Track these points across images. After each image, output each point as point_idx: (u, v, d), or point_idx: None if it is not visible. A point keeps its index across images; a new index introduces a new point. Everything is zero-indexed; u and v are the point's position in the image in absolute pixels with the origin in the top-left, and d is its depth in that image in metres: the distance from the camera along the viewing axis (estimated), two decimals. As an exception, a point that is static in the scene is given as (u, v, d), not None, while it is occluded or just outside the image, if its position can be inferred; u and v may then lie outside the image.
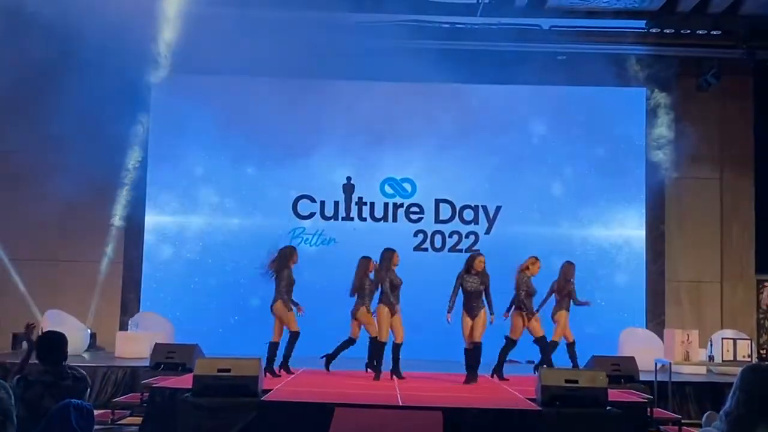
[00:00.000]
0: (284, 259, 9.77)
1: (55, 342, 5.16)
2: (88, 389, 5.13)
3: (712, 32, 12.54)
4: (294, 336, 9.73)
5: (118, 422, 8.72)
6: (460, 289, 9.49)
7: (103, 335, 13.00)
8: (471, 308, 9.46)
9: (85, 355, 12.03)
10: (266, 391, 7.75)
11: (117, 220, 13.51)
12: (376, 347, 9.74)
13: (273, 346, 9.70)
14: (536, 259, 10.15)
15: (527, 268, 10.07)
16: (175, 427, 7.32)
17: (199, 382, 7.43)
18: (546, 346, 9.93)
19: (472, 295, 9.45)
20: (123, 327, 12.87)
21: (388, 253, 9.81)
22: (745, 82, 13.76)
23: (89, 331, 12.71)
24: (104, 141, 12.67)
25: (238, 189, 13.81)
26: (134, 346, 11.78)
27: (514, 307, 9.94)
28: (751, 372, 3.55)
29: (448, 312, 9.46)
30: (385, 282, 9.66)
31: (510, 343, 10.04)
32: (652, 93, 13.75)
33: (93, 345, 12.81)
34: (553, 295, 10.41)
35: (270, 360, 9.55)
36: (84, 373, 5.15)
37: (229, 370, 7.44)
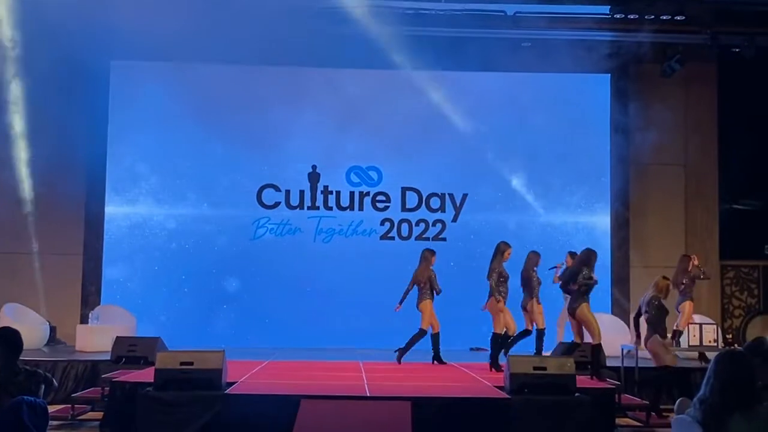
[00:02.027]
0: (424, 261, 10.42)
1: (6, 339, 4.97)
2: (43, 385, 4.94)
3: (676, 17, 12.51)
4: (433, 335, 10.33)
5: (78, 417, 8.52)
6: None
7: (63, 329, 12.71)
8: None
9: (45, 349, 11.77)
10: (230, 384, 7.60)
11: (76, 212, 13.20)
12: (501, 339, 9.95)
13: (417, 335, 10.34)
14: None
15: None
16: (136, 423, 7.15)
17: (160, 376, 7.27)
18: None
19: None
20: (84, 320, 12.60)
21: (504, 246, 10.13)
22: (709, 68, 13.81)
23: (49, 324, 12.41)
24: (61, 130, 12.37)
25: (201, 178, 13.55)
26: (95, 339, 11.53)
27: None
28: (726, 359, 3.49)
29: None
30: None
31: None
32: (616, 79, 13.77)
33: (53, 339, 12.52)
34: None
35: (436, 350, 10.33)
36: (37, 369, 4.97)
37: (191, 364, 7.29)
